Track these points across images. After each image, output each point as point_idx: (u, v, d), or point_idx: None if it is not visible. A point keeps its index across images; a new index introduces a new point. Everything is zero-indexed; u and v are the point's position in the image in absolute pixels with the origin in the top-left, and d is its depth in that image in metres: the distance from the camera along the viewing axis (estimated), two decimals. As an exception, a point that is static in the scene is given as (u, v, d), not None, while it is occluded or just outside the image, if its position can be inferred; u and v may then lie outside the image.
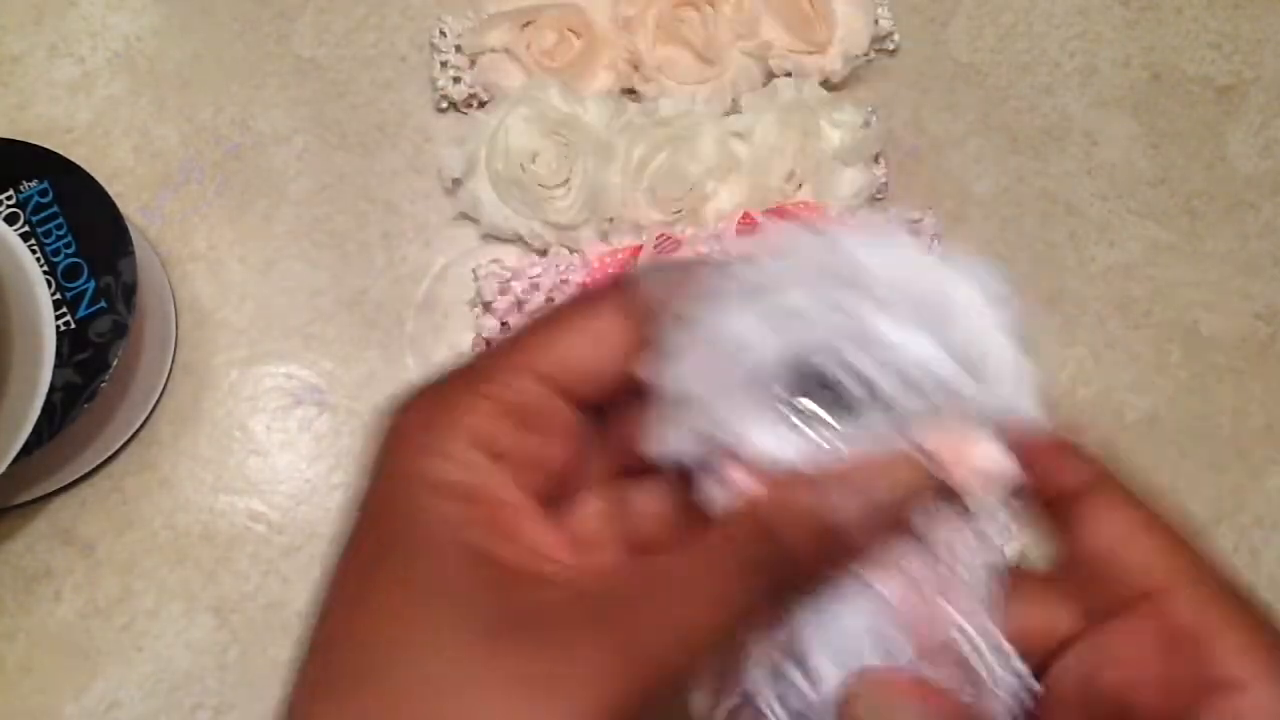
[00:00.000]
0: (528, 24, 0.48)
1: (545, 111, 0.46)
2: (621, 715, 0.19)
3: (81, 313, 0.44)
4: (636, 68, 0.48)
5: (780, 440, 0.22)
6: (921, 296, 0.22)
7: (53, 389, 0.42)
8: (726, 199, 0.45)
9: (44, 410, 0.42)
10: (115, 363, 0.43)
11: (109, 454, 0.46)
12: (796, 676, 0.22)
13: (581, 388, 0.23)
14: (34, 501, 0.46)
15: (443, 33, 0.49)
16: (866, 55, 0.48)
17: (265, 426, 0.47)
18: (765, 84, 0.47)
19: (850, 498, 0.21)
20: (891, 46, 0.49)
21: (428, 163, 0.49)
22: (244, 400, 0.47)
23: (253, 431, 0.47)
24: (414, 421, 0.22)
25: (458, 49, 0.49)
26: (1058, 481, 0.23)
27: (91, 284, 0.44)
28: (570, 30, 0.48)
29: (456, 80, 0.49)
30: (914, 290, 0.22)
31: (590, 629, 0.20)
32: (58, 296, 0.44)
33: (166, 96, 0.50)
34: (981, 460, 0.22)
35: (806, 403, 0.22)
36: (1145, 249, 0.47)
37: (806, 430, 0.22)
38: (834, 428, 0.22)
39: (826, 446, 0.22)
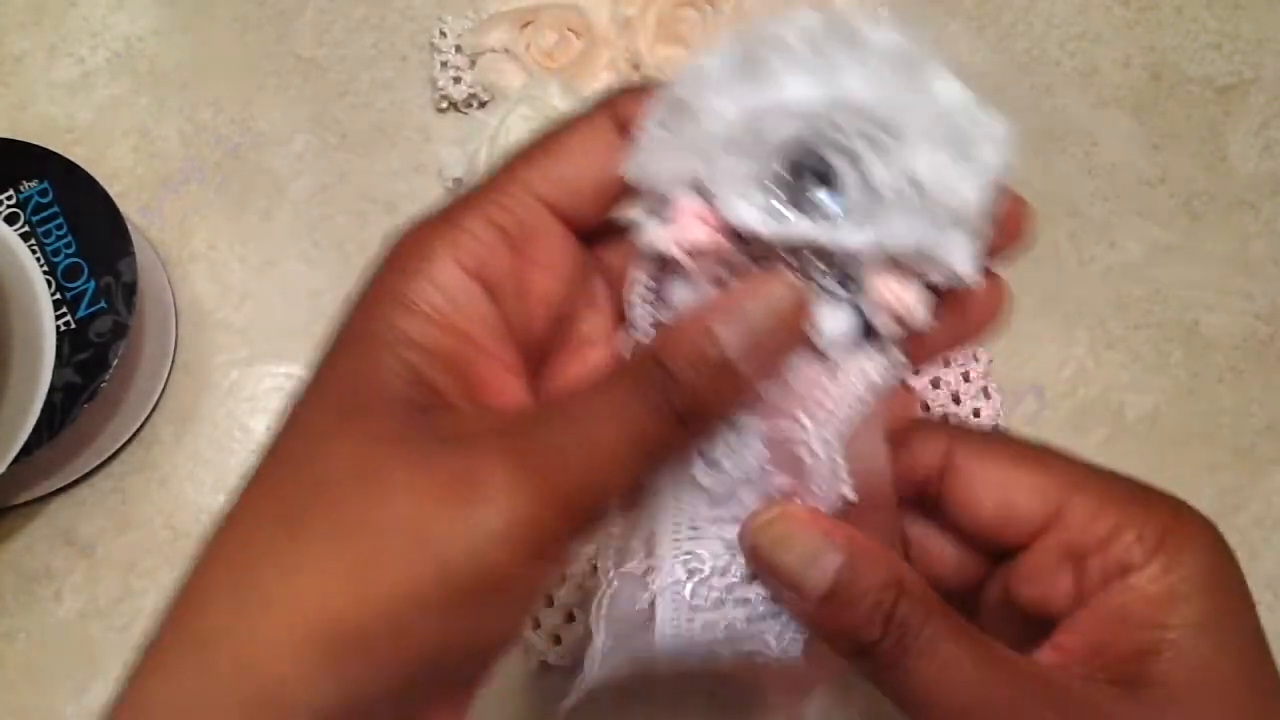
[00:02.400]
0: (528, 24, 0.48)
1: (545, 111, 0.46)
2: (533, 531, 0.20)
3: (81, 313, 0.44)
4: (637, 68, 0.48)
5: (753, 213, 0.22)
6: (930, 118, 0.22)
7: (53, 389, 0.42)
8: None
9: (44, 410, 0.42)
10: (115, 363, 0.43)
11: (109, 454, 0.46)
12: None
13: (579, 206, 0.23)
14: (34, 501, 0.46)
15: (443, 33, 0.49)
16: (867, 55, 0.48)
17: (265, 426, 0.47)
18: (765, 84, 0.47)
19: (731, 326, 0.21)
20: (892, 46, 0.49)
21: (428, 163, 0.49)
22: (244, 400, 0.47)
23: (253, 431, 0.47)
24: (409, 244, 0.22)
25: (458, 49, 0.49)
26: (921, 466, 0.25)
27: (91, 284, 0.44)
28: (570, 30, 0.48)
29: (456, 80, 0.49)
30: (925, 109, 0.22)
31: (502, 449, 0.20)
32: (58, 296, 0.44)
33: (166, 96, 0.50)
34: (905, 303, 0.23)
35: (821, 195, 0.22)
36: (1145, 249, 0.47)
37: (784, 211, 0.22)
38: (814, 219, 0.22)
39: (794, 229, 0.22)
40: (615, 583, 0.25)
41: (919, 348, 0.24)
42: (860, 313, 0.23)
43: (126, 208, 0.46)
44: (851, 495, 0.24)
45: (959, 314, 0.24)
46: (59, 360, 0.43)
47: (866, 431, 0.24)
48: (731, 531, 0.24)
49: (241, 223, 0.49)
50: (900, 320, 0.23)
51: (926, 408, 0.44)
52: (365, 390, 0.21)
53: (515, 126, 0.46)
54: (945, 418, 0.44)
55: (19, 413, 0.42)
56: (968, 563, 0.26)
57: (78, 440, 0.45)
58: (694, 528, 0.24)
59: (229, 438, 0.47)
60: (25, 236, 0.44)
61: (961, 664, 0.22)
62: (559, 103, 0.47)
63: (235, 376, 0.48)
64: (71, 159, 0.46)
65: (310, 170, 0.49)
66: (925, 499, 0.25)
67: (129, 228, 0.45)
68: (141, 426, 0.47)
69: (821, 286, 0.23)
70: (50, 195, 0.45)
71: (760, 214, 0.22)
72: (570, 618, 0.43)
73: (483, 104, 0.49)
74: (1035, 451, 0.25)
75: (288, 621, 0.20)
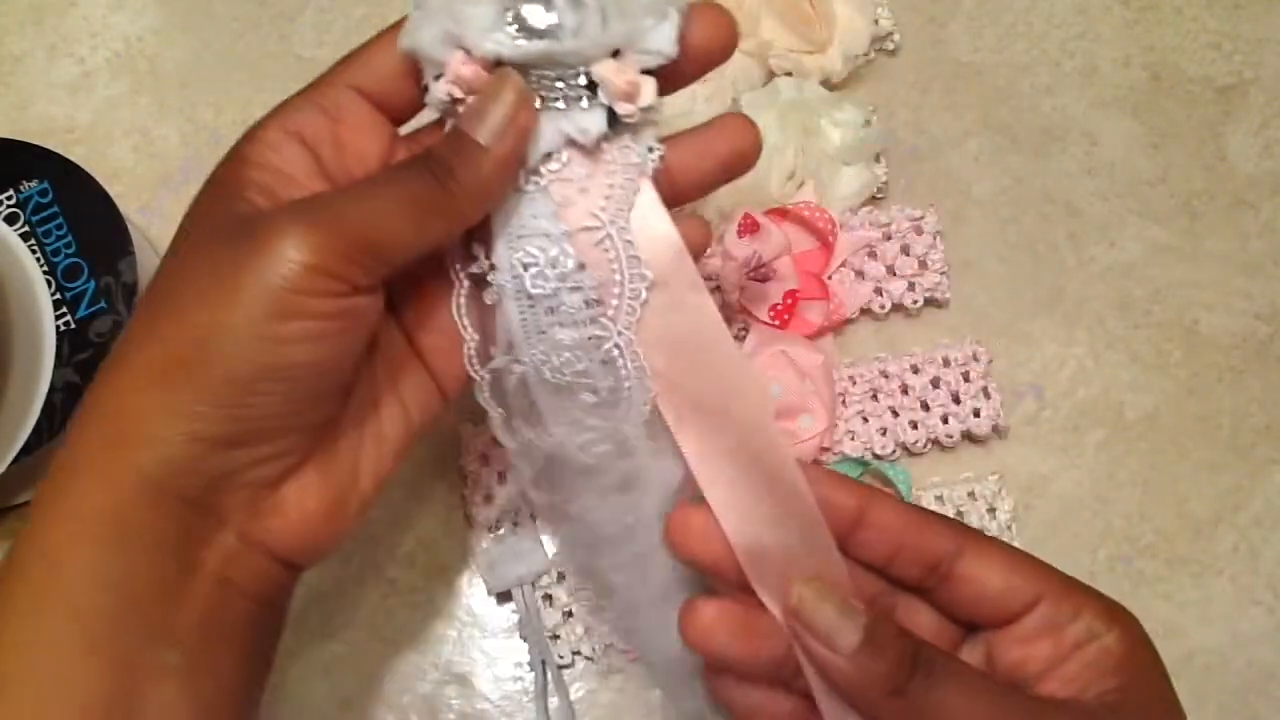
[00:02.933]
0: (528, 24, 0.48)
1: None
2: (316, 268, 0.27)
3: (81, 313, 0.44)
4: (636, 68, 0.48)
5: (494, 45, 0.28)
6: None
7: (53, 389, 0.42)
8: (727, 199, 0.45)
9: (44, 410, 0.42)
10: (115, 363, 0.43)
11: (109, 454, 0.46)
12: (481, 253, 0.31)
13: (383, 89, 0.31)
14: (34, 501, 0.46)
15: (443, 33, 0.50)
16: (866, 55, 0.48)
17: (265, 426, 0.47)
18: (765, 84, 0.47)
19: (474, 120, 0.28)
20: (891, 46, 0.49)
21: (428, 163, 0.49)
22: (244, 400, 0.47)
23: (253, 431, 0.47)
24: (253, 127, 0.30)
25: (458, 49, 0.49)
26: (932, 550, 0.30)
27: (91, 284, 0.44)
28: (570, 30, 0.48)
29: (457, 80, 0.49)
30: None
31: (291, 214, 0.27)
32: (58, 296, 0.44)
33: (166, 96, 0.50)
34: (631, 83, 0.29)
35: (540, 19, 0.28)
36: (1145, 249, 0.47)
37: (520, 39, 0.28)
38: (543, 38, 0.28)
39: (529, 47, 0.28)
40: (466, 282, 0.31)
41: (694, 177, 0.32)
42: (610, 110, 0.29)
43: (126, 208, 0.46)
44: (648, 273, 0.30)
45: (712, 142, 0.32)
46: (59, 360, 0.43)
47: (649, 210, 0.30)
48: (564, 324, 0.30)
49: (241, 223, 0.49)
50: (631, 99, 0.29)
51: (926, 406, 0.44)
52: (210, 215, 0.29)
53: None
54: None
55: (19, 413, 0.42)
56: (945, 633, 0.32)
57: (78, 440, 0.45)
58: (523, 234, 0.30)
59: (229, 438, 0.47)
60: (25, 236, 0.44)
61: (985, 688, 0.28)
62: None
63: (235, 376, 0.48)
64: (71, 159, 0.46)
65: (310, 170, 0.49)
66: (927, 578, 0.31)
67: (129, 227, 0.45)
68: (141, 426, 0.47)
69: (575, 96, 0.29)
70: (50, 195, 0.45)
71: (500, 45, 0.28)
72: (569, 614, 0.43)
73: (483, 104, 0.49)
74: (1016, 549, 0.31)
75: (137, 374, 0.28)
